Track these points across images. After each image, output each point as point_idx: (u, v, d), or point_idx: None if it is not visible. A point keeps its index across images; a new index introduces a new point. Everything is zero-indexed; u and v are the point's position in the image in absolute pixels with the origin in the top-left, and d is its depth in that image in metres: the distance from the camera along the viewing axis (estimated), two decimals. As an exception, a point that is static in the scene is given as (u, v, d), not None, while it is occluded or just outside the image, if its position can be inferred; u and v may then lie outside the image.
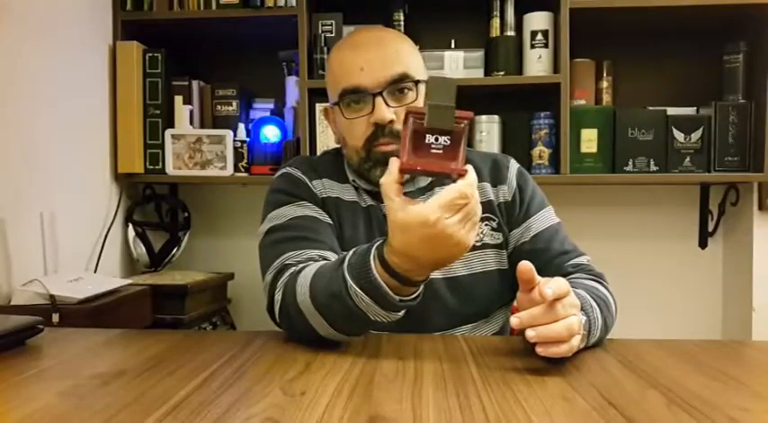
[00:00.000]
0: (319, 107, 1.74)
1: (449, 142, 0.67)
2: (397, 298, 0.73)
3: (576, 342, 0.72)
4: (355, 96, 0.96)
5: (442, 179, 0.77)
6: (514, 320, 0.70)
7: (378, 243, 0.75)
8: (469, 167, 0.70)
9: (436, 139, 0.67)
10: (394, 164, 0.70)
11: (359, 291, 0.74)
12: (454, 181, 0.69)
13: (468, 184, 0.69)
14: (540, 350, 0.69)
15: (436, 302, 0.96)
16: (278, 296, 0.86)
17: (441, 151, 0.67)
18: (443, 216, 0.67)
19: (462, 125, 0.67)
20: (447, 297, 0.98)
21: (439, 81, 0.68)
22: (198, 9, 1.75)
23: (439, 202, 0.68)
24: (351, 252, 0.78)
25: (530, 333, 0.69)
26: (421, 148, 0.67)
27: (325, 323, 0.79)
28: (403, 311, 0.77)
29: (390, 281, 0.73)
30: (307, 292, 0.80)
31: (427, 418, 0.55)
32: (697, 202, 1.92)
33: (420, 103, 0.97)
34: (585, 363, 0.75)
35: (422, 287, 0.76)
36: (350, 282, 0.74)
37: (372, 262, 0.73)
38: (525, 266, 0.71)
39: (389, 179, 0.70)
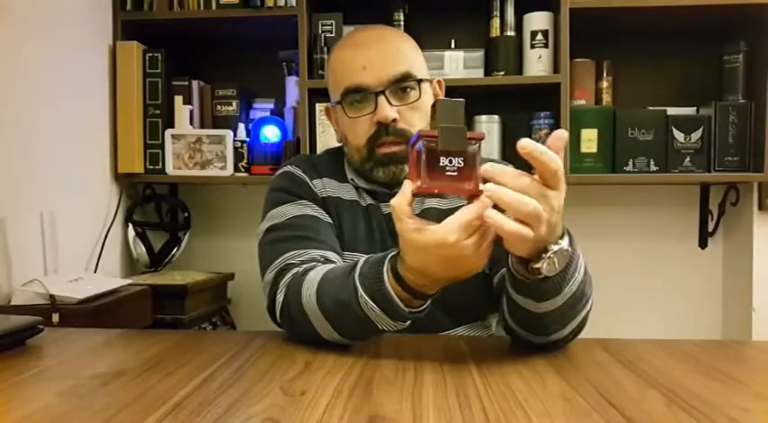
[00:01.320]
0: (319, 107, 1.74)
1: (462, 164, 0.67)
2: (408, 310, 0.73)
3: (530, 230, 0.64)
4: (358, 95, 0.96)
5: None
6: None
7: (391, 255, 0.74)
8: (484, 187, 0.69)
9: (450, 162, 0.67)
10: (407, 186, 0.69)
11: (369, 301, 0.73)
12: (470, 201, 0.69)
13: (485, 205, 0.68)
14: (487, 213, 0.64)
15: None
16: (280, 296, 0.86)
17: (455, 173, 0.67)
18: (461, 237, 0.67)
19: (475, 146, 0.68)
20: (436, 298, 0.97)
21: (446, 103, 0.68)
22: (198, 9, 1.75)
23: (457, 222, 0.67)
24: (362, 261, 0.77)
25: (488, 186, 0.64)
26: (435, 171, 0.67)
27: (330, 328, 0.79)
28: (409, 322, 0.76)
29: (402, 293, 0.72)
30: (313, 296, 0.80)
31: (427, 418, 0.55)
32: (697, 202, 1.92)
33: (422, 101, 0.98)
34: (585, 363, 0.75)
35: (430, 300, 0.76)
36: (360, 291, 0.74)
37: (386, 274, 0.73)
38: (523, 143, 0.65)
39: (402, 201, 0.69)
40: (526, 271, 0.71)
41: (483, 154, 0.71)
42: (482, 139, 0.69)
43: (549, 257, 0.69)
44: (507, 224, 0.63)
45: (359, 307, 0.74)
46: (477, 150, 0.68)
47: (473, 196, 0.68)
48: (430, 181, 0.67)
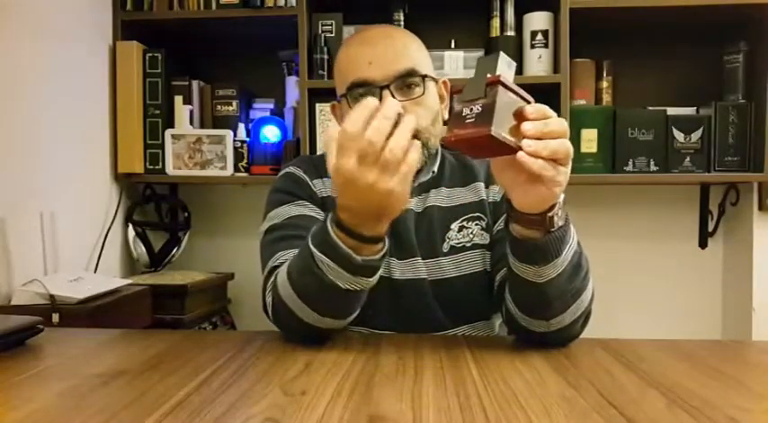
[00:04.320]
0: (319, 107, 1.74)
1: (481, 109, 0.66)
2: (359, 258, 0.74)
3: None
4: (363, 89, 0.97)
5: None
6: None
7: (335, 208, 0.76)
8: (374, 102, 0.69)
9: (470, 111, 0.67)
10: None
11: (319, 254, 0.75)
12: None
13: (352, 120, 0.68)
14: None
15: (426, 304, 0.96)
16: (269, 298, 0.87)
17: (473, 120, 0.67)
18: (340, 161, 0.68)
19: (494, 90, 0.66)
20: (437, 298, 0.97)
21: (484, 60, 0.69)
22: (198, 9, 1.76)
23: (337, 147, 0.68)
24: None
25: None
26: (456, 121, 0.68)
27: (305, 306, 0.79)
28: (374, 278, 0.77)
29: (347, 240, 0.74)
30: (285, 276, 0.81)
31: (427, 418, 0.55)
32: (697, 202, 1.92)
33: (426, 97, 0.98)
34: (585, 363, 0.75)
35: (385, 247, 0.76)
36: (313, 249, 0.76)
37: (329, 224, 0.75)
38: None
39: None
40: (530, 229, 0.74)
41: None
42: (497, 81, 0.66)
43: (560, 206, 0.73)
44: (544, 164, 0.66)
45: (315, 266, 0.75)
46: (496, 94, 0.66)
47: (486, 137, 0.66)
48: (451, 130, 0.68)
